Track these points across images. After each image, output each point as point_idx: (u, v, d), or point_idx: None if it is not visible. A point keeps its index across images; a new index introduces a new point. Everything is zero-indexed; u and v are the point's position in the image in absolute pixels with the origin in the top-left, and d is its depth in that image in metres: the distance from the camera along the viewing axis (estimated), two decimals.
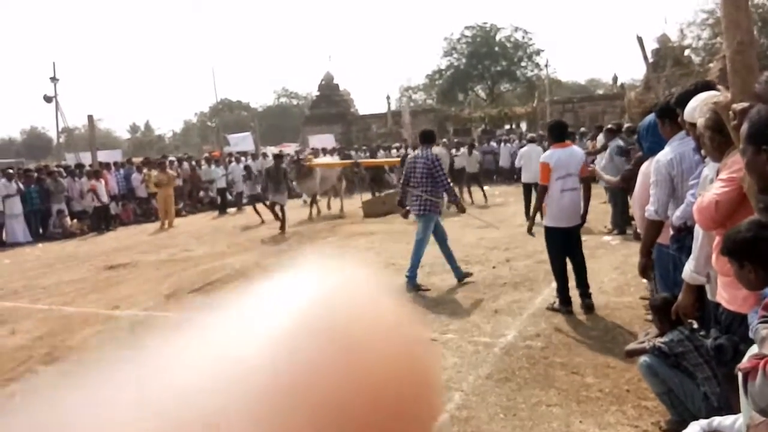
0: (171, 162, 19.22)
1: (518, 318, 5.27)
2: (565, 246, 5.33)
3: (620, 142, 9.19)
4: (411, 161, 6.58)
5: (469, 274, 6.79)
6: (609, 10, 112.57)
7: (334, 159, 18.35)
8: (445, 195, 6.72)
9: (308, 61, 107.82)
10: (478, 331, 4.97)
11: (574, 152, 5.35)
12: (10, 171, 14.79)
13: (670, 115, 3.48)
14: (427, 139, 6.64)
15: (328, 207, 15.15)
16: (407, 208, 6.78)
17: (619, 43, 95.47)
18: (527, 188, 11.15)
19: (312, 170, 14.07)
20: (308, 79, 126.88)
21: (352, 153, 21.52)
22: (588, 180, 5.39)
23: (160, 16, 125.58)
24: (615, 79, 32.19)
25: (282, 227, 11.74)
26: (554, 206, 5.24)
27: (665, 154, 3.47)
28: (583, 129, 20.77)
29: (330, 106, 35.95)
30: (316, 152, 19.65)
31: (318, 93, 38.64)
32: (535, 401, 3.62)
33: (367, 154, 21.84)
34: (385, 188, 17.24)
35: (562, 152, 5.27)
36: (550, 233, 5.35)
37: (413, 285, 6.42)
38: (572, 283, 5.43)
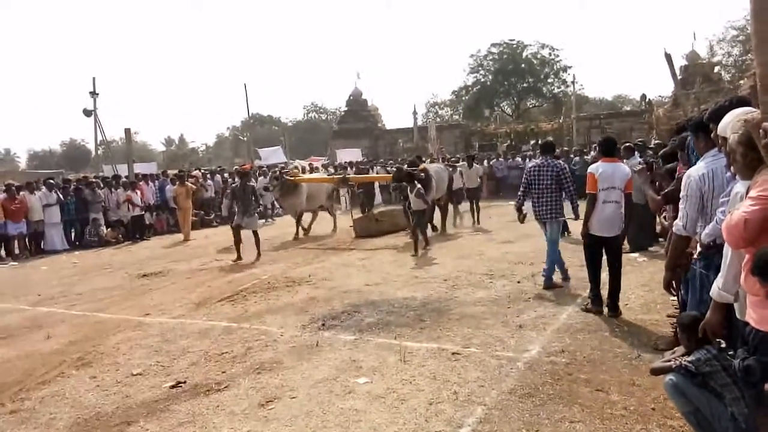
0: (204, 174, 19.63)
1: (542, 333, 5.25)
2: (600, 253, 5.78)
3: (639, 160, 9.09)
4: (534, 169, 6.97)
5: (556, 286, 6.95)
6: (637, 27, 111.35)
7: (321, 174, 17.14)
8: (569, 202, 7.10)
9: (337, 78, 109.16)
10: (502, 346, 4.98)
11: (619, 168, 5.79)
12: (51, 181, 15.31)
13: (704, 130, 3.47)
14: (549, 149, 7.26)
15: (305, 228, 13.53)
16: (525, 213, 7.30)
17: (648, 59, 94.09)
18: None
19: (297, 186, 13.18)
20: (337, 95, 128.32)
21: (378, 167, 21.41)
22: (631, 196, 5.78)
23: (195, 34, 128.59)
24: (643, 96, 31.78)
25: (257, 254, 10.51)
26: (596, 216, 5.65)
27: (697, 170, 3.45)
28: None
29: (357, 121, 36.28)
30: (312, 167, 18.99)
31: (346, 108, 39.05)
32: (558, 417, 3.62)
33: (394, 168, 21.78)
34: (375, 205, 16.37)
35: (608, 166, 5.71)
36: (590, 240, 5.77)
37: (549, 284, 6.89)
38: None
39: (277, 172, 13.98)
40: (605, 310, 5.70)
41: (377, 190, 19.09)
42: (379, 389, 4.21)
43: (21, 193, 13.83)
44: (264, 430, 3.70)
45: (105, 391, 4.62)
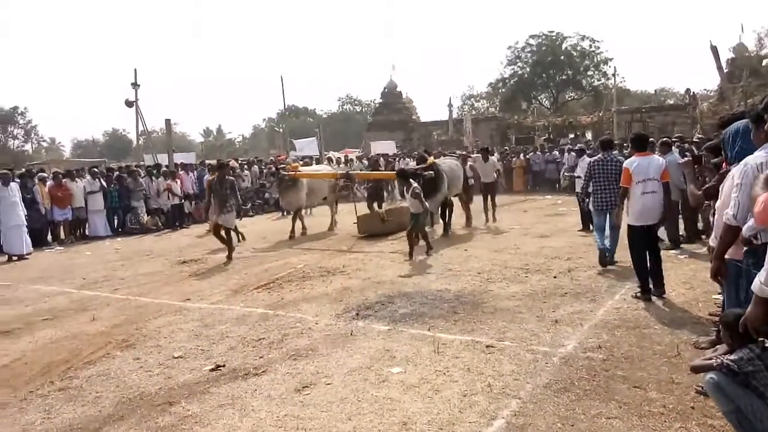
0: (241, 165, 19.95)
1: (579, 329, 5.20)
2: (644, 242, 6.07)
3: (677, 156, 8.85)
4: (597, 163, 7.53)
5: (614, 262, 7.59)
6: (682, 18, 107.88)
7: (324, 167, 16.38)
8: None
9: (372, 70, 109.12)
10: (537, 340, 4.95)
11: (653, 160, 6.21)
12: (95, 170, 15.81)
13: (764, 121, 3.38)
14: (607, 145, 7.77)
15: (304, 226, 12.85)
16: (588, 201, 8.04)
17: (693, 51, 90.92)
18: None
19: (296, 181, 12.43)
20: (372, 87, 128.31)
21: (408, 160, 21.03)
22: (668, 185, 6.14)
23: (234, 26, 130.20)
24: (687, 90, 30.84)
25: (229, 255, 9.78)
26: (636, 207, 6.05)
27: (755, 158, 3.35)
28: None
29: (392, 113, 36.29)
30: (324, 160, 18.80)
31: (381, 100, 39.11)
32: (594, 413, 3.59)
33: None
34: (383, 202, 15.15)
35: (642, 160, 6.10)
36: (633, 230, 6.10)
37: (612, 261, 7.57)
38: None
39: (273, 168, 13.06)
40: (641, 322, 5.47)
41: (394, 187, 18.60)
42: (413, 379, 4.25)
43: (65, 180, 14.32)
44: (300, 414, 3.78)
45: (148, 372, 4.78)
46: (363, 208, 13.18)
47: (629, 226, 6.16)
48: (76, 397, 4.35)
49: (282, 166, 13.31)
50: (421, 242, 9.39)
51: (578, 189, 10.79)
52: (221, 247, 10.41)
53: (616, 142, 20.34)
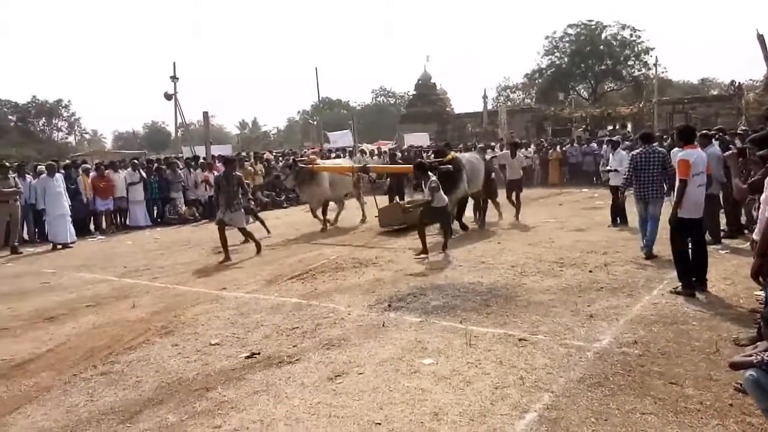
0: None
1: (614, 324, 5.12)
2: (693, 235, 6.06)
3: (717, 149, 8.56)
4: (641, 156, 7.72)
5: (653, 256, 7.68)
6: (728, 5, 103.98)
7: (345, 161, 15.97)
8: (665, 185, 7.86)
9: (406, 61, 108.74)
10: (571, 335, 4.89)
11: (701, 153, 6.33)
12: (135, 161, 16.24)
13: None
14: (648, 138, 8.03)
15: (329, 219, 12.52)
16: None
17: (738, 40, 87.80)
18: (616, 191, 10.53)
19: (316, 174, 12.15)
20: (406, 79, 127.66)
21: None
22: (710, 177, 6.32)
23: (269, 20, 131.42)
24: (732, 82, 29.77)
25: (257, 248, 9.65)
26: (692, 199, 5.97)
27: None
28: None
29: (426, 104, 36.09)
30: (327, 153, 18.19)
31: (415, 92, 38.91)
32: (629, 408, 3.54)
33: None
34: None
35: (697, 152, 6.16)
36: (686, 223, 5.99)
37: (649, 254, 7.71)
38: None
39: (290, 160, 12.69)
40: (678, 318, 5.38)
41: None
42: (445, 370, 4.26)
43: (107, 171, 14.75)
44: (333, 402, 3.84)
45: (186, 358, 4.92)
46: (382, 201, 12.94)
47: (681, 220, 5.97)
48: (118, 381, 4.51)
49: (300, 159, 13.03)
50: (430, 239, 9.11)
51: (613, 182, 10.64)
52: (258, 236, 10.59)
53: (657, 134, 19.88)
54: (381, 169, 15.51)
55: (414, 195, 14.57)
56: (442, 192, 8.81)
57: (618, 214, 10.60)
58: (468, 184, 10.59)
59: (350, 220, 12.96)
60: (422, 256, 8.49)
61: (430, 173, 9.04)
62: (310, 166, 12.30)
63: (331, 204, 13.04)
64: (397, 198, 13.61)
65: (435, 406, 3.69)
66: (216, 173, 16.09)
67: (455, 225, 10.63)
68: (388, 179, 15.33)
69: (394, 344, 4.88)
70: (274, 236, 11.57)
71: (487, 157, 12.19)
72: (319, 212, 12.44)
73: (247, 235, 9.85)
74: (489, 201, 11.65)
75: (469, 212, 11.64)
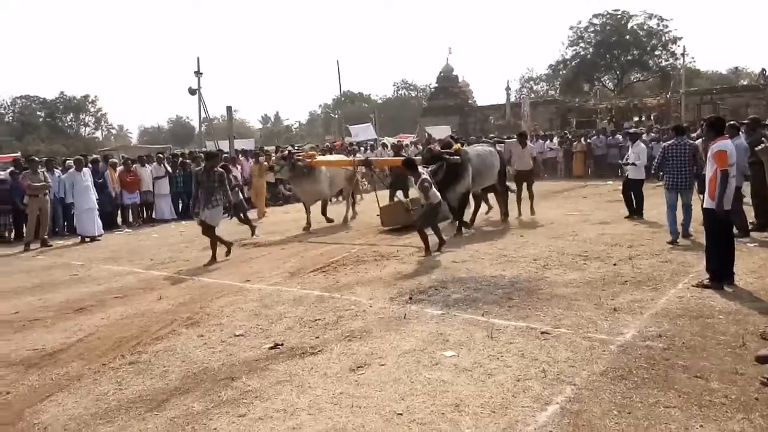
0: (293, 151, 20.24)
1: (639, 317, 5.07)
2: (724, 227, 6.01)
3: (743, 140, 8.38)
4: (672, 147, 8.16)
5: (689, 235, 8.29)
6: None
7: (339, 156, 15.34)
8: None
9: (428, 54, 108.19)
10: (594, 328, 4.86)
11: (732, 144, 6.22)
12: (161, 156, 16.48)
13: None
14: (681, 131, 8.51)
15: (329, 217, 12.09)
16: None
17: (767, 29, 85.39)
18: (634, 184, 10.70)
19: (314, 170, 11.43)
20: (427, 72, 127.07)
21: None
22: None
23: (291, 14, 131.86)
24: (763, 71, 29.02)
25: (227, 250, 9.09)
26: (727, 192, 5.90)
27: None
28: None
29: (448, 97, 35.94)
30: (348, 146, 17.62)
31: (436, 85, 38.78)
32: (652, 401, 3.51)
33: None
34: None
35: (730, 143, 6.12)
36: (715, 216, 5.92)
37: (687, 234, 8.32)
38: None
39: (286, 152, 11.78)
40: (702, 311, 5.32)
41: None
42: (466, 363, 4.27)
43: (134, 166, 15.00)
44: (355, 393, 3.88)
45: (211, 348, 5.00)
46: (385, 198, 12.32)
47: (710, 211, 5.93)
48: (145, 371, 4.61)
49: (296, 152, 12.09)
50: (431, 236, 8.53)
51: (632, 176, 10.67)
52: (278, 230, 10.72)
53: (684, 124, 19.52)
54: (385, 162, 14.90)
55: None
56: (434, 189, 8.50)
57: (635, 207, 10.58)
58: (477, 179, 10.17)
59: (372, 211, 12.64)
60: (442, 248, 8.35)
61: (421, 170, 8.64)
62: (308, 160, 11.60)
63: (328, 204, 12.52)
64: (401, 194, 12.78)
65: (456, 398, 3.71)
66: (239, 167, 16.34)
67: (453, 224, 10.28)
68: (390, 174, 14.43)
69: (415, 336, 4.90)
70: (297, 229, 11.59)
71: (500, 148, 11.77)
72: (326, 210, 12.05)
73: (214, 238, 8.98)
74: (496, 195, 11.29)
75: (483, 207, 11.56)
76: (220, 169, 9.20)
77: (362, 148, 20.90)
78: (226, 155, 17.52)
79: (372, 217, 11.99)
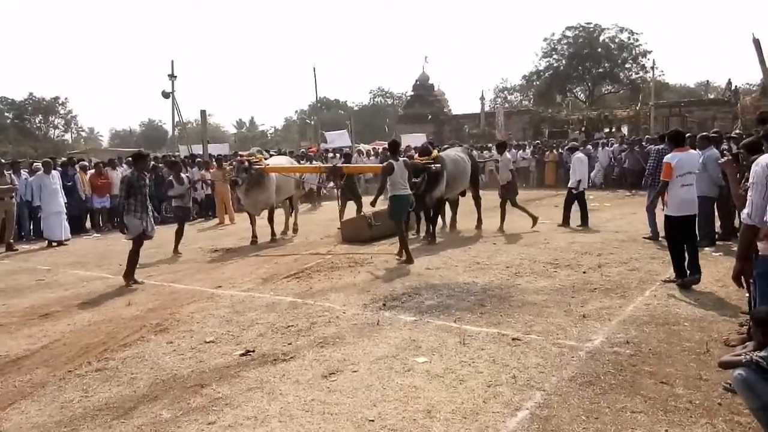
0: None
1: (607, 324, 5.16)
2: (682, 232, 6.37)
3: (715, 152, 8.67)
4: (665, 151, 8.11)
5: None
6: (724, 10, 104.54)
7: (289, 161, 13.66)
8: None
9: (404, 62, 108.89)
10: (564, 334, 4.93)
11: (692, 155, 6.67)
12: (130, 159, 16.19)
13: None
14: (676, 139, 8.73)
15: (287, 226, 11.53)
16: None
17: (735, 45, 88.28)
18: (579, 195, 11.18)
19: (263, 177, 10.49)
20: (403, 80, 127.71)
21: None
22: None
23: (267, 18, 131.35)
24: (729, 83, 29.92)
25: (128, 274, 7.76)
26: (677, 199, 6.36)
27: (765, 158, 3.33)
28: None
29: (423, 105, 36.20)
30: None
31: (412, 93, 39.00)
32: (619, 407, 3.57)
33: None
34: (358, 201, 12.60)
35: (682, 155, 6.46)
36: (671, 221, 6.40)
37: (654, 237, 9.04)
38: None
39: (245, 163, 10.41)
40: (670, 319, 5.58)
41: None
42: (438, 369, 4.29)
43: (105, 169, 14.73)
44: (327, 400, 3.86)
45: (181, 355, 4.93)
46: (350, 211, 11.67)
47: (668, 217, 6.46)
48: (112, 378, 4.52)
49: (250, 158, 10.88)
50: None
51: (570, 184, 11.16)
52: (249, 236, 10.65)
53: (652, 137, 19.98)
54: (354, 169, 13.83)
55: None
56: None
57: (581, 216, 11.12)
58: (452, 184, 10.21)
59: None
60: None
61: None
62: (262, 166, 10.65)
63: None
64: (355, 207, 12.29)
65: (428, 404, 3.72)
66: (213, 171, 16.15)
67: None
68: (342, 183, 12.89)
69: (388, 343, 4.90)
70: (268, 235, 11.48)
71: (486, 155, 12.04)
72: (273, 218, 11.04)
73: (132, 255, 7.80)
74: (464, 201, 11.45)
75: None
76: (145, 173, 8.26)
77: (337, 155, 20.83)
78: (199, 159, 17.36)
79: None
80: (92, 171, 14.55)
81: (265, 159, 11.78)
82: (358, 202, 12.43)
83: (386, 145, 11.83)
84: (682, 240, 6.37)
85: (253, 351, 4.89)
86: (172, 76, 21.32)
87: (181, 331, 5.62)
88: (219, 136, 59.43)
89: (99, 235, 13.65)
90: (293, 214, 12.05)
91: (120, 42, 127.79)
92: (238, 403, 3.90)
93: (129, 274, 7.79)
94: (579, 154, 11.55)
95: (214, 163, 17.41)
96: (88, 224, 14.45)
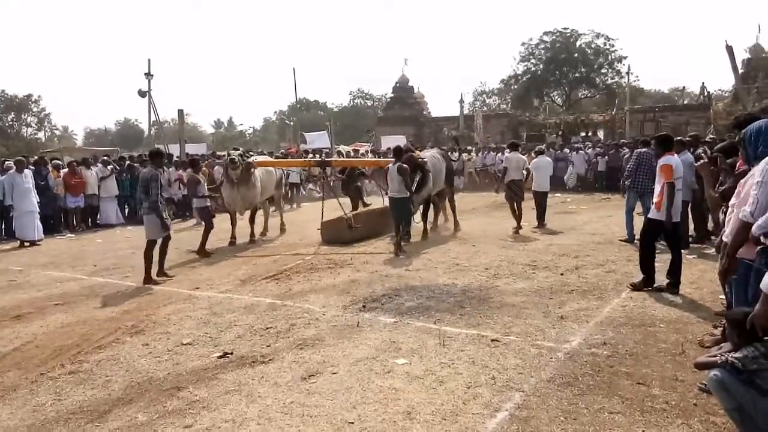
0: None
1: (584, 325, 5.22)
2: (666, 237, 6.43)
3: (689, 156, 8.83)
4: (646, 154, 8.79)
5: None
6: (698, 17, 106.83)
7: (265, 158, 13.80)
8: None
9: (384, 64, 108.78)
10: (542, 336, 4.97)
11: (678, 159, 6.66)
12: (106, 158, 15.95)
13: None
14: (668, 143, 8.77)
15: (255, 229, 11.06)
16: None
17: (708, 51, 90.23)
18: (539, 196, 11.58)
19: (252, 174, 10.53)
20: (383, 81, 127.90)
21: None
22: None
23: (246, 18, 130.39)
24: (702, 89, 30.55)
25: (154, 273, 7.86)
26: (676, 204, 6.24)
27: None
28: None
29: (403, 107, 36.22)
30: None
31: (392, 95, 39.00)
32: (597, 407, 3.61)
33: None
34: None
35: (676, 159, 6.48)
36: (658, 225, 6.24)
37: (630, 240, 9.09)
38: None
39: (236, 159, 10.26)
40: (647, 320, 5.59)
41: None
42: (418, 370, 4.29)
43: (79, 168, 14.45)
44: (306, 402, 3.83)
45: (157, 357, 4.85)
46: (332, 211, 11.22)
47: (655, 221, 6.26)
48: (86, 381, 4.43)
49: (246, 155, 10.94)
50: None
51: (534, 187, 11.52)
52: (227, 237, 10.54)
53: (627, 141, 20.30)
54: (342, 162, 14.00)
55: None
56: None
57: (537, 216, 11.53)
58: (433, 183, 10.56)
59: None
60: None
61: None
62: (250, 161, 10.70)
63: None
64: (360, 203, 12.41)
65: (408, 406, 3.72)
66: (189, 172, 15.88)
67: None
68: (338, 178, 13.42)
69: (368, 344, 4.89)
70: (248, 236, 11.38)
71: (465, 157, 12.17)
72: (253, 216, 10.96)
73: (153, 255, 7.86)
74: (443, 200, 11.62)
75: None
76: (152, 172, 7.91)
77: (317, 156, 20.73)
78: (177, 159, 17.14)
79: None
80: (66, 170, 14.25)
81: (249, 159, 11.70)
82: (357, 199, 12.49)
83: (367, 147, 12.25)
84: (653, 246, 6.41)
85: (231, 353, 4.83)
86: (148, 75, 20.96)
87: (157, 333, 5.53)
88: (196, 135, 58.81)
89: (73, 235, 13.38)
90: (279, 215, 12.14)
91: (95, 39, 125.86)
92: (216, 406, 3.85)
93: (160, 271, 8.01)
94: (544, 158, 12.19)
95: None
96: (61, 224, 14.13)
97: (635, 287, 6.35)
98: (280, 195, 12.33)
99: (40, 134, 64.18)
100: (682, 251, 8.22)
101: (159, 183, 7.82)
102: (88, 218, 14.75)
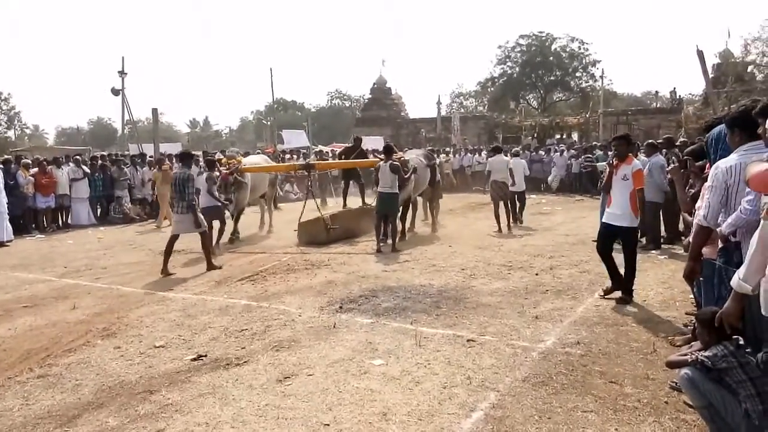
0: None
1: (558, 325, 5.27)
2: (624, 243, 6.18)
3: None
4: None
5: None
6: (670, 22, 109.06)
7: (265, 159, 13.80)
8: None
9: (362, 65, 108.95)
10: (517, 335, 5.01)
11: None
12: (78, 157, 15.63)
13: (740, 125, 3.46)
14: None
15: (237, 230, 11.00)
16: None
17: (679, 56, 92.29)
18: (514, 195, 11.83)
19: (243, 178, 10.82)
20: (361, 82, 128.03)
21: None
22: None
23: (223, 17, 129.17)
24: (673, 92, 31.20)
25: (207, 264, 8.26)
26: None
27: (726, 162, 3.44)
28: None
29: (381, 108, 36.28)
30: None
31: (370, 96, 39.03)
32: (571, 406, 3.65)
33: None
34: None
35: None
36: (615, 229, 6.09)
37: None
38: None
39: (226, 166, 10.63)
40: (618, 320, 5.50)
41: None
42: (394, 371, 4.28)
43: (50, 167, 14.13)
44: (281, 404, 3.80)
45: (129, 360, 4.76)
46: (311, 211, 11.08)
47: (608, 225, 6.08)
48: (56, 384, 4.33)
49: (233, 162, 11.00)
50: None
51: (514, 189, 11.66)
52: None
53: (599, 143, 20.61)
54: (328, 165, 14.12)
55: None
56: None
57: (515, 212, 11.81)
58: (417, 185, 10.70)
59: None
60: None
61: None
62: (238, 167, 10.87)
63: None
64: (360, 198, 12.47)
65: (384, 407, 3.71)
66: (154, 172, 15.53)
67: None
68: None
69: (344, 345, 4.87)
70: (225, 236, 11.24)
71: (442, 158, 12.28)
72: (239, 217, 11.01)
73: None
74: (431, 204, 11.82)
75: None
76: (187, 172, 8.48)
77: (295, 156, 20.62)
78: (150, 158, 16.89)
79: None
80: (36, 169, 13.93)
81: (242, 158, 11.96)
82: (362, 186, 12.62)
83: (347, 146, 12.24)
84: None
85: (205, 355, 4.77)
86: (122, 73, 20.68)
87: (129, 335, 5.43)
88: (171, 135, 58.04)
89: (43, 236, 13.07)
90: (268, 213, 12.18)
91: (67, 36, 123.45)
92: (189, 409, 3.79)
93: (210, 264, 8.31)
94: (519, 159, 12.55)
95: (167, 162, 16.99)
96: (32, 225, 13.80)
97: (606, 293, 6.16)
98: (273, 193, 12.39)
99: (10, 133, 62.69)
100: (654, 252, 8.44)
101: (194, 183, 8.34)
102: (58, 218, 14.44)
